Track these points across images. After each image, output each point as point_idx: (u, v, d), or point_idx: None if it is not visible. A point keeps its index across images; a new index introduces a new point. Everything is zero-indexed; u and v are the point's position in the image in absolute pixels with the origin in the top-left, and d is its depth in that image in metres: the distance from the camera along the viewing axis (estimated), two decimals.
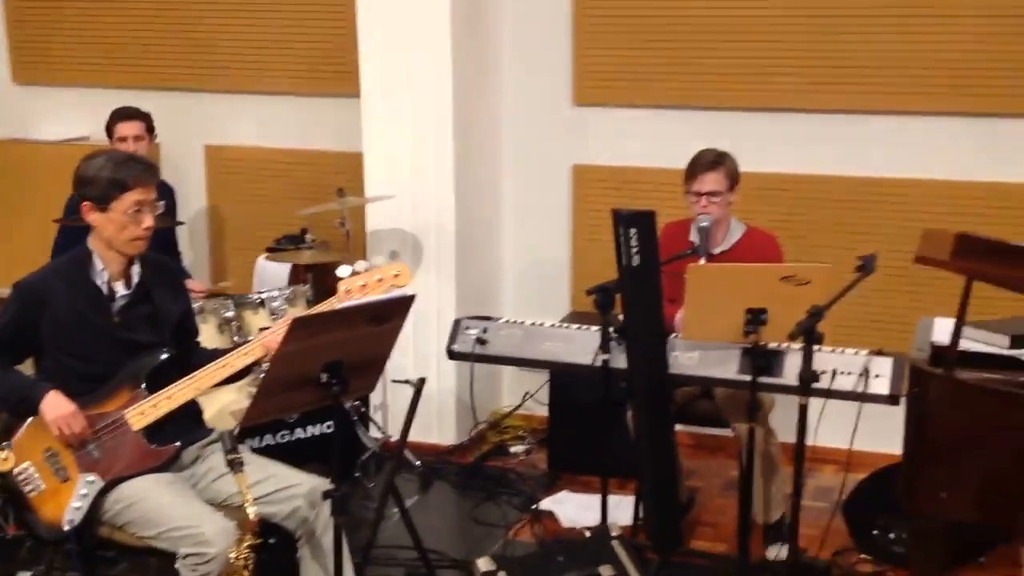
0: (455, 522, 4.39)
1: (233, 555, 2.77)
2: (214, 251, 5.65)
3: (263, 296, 4.30)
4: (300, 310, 4.30)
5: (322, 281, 4.81)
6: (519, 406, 5.13)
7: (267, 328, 4.09)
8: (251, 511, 2.68)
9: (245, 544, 2.74)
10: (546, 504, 4.39)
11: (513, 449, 4.97)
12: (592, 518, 3.93)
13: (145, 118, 4.66)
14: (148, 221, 3.04)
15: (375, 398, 4.92)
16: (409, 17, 4.64)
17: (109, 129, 4.62)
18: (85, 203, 3.04)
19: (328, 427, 4.15)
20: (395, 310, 2.88)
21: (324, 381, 2.77)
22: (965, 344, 2.82)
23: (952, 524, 2.94)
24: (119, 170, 3.01)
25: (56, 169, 5.52)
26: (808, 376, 3.09)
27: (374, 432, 4.74)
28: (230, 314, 4.16)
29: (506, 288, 5.23)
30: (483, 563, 2.94)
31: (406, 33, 4.66)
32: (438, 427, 4.95)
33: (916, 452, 2.76)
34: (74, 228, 4.18)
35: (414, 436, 4.17)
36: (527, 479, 4.66)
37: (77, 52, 5.77)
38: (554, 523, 4.26)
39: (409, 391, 3.60)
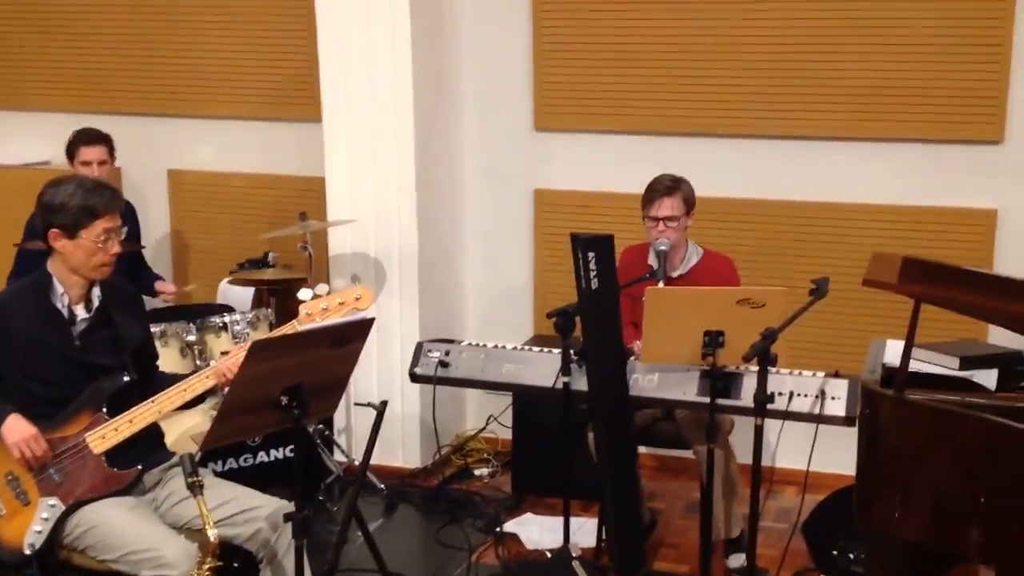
0: (420, 545, 4.39)
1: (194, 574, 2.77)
2: (177, 274, 5.64)
3: (225, 320, 4.30)
4: (263, 334, 4.31)
5: (285, 304, 4.82)
6: (483, 429, 5.17)
7: (227, 352, 4.13)
8: (211, 534, 2.68)
9: (207, 567, 2.75)
10: (510, 526, 4.41)
11: (477, 472, 4.99)
12: (556, 540, 3.95)
13: (107, 141, 4.66)
14: (115, 248, 3.08)
15: (339, 421, 4.94)
16: (370, 42, 4.68)
17: (71, 152, 4.59)
18: (53, 230, 3.05)
19: (291, 451, 4.15)
20: (355, 333, 2.91)
21: (284, 404, 2.79)
22: (916, 366, 2.88)
23: (907, 543, 2.99)
24: (89, 198, 3.04)
25: (17, 193, 5.51)
26: (762, 397, 3.14)
27: (338, 456, 4.75)
28: (192, 338, 4.17)
29: (469, 311, 5.27)
30: None
31: (367, 58, 4.70)
32: (403, 450, 4.96)
33: (868, 471, 2.81)
34: (33, 252, 4.18)
35: (378, 459, 4.19)
36: (491, 501, 4.68)
37: (38, 77, 5.78)
38: (518, 545, 4.28)
39: (371, 415, 3.61)
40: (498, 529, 4.38)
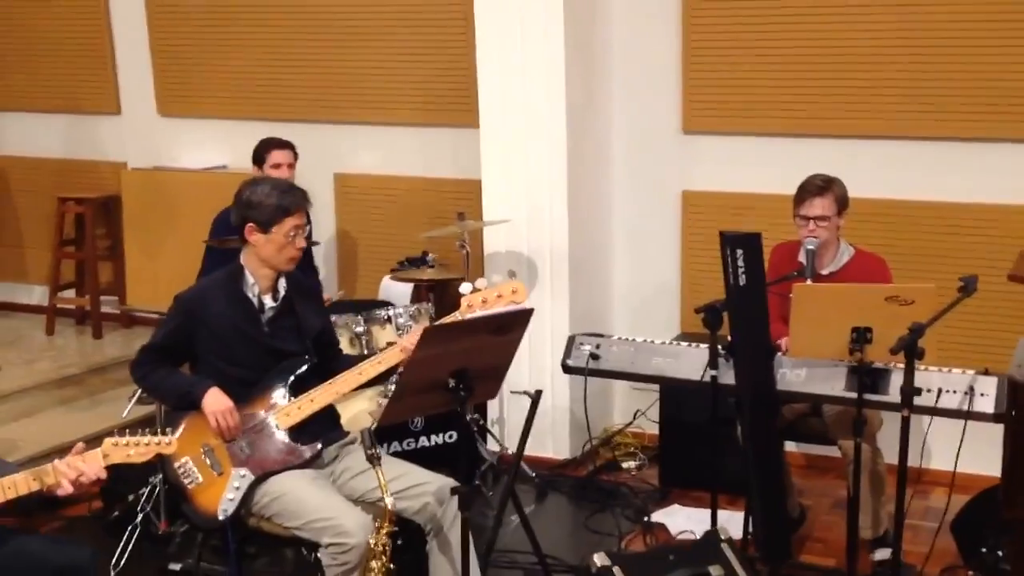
0: (570, 530, 4.57)
1: (372, 541, 3.02)
2: (342, 271, 5.98)
3: (390, 313, 4.58)
4: (424, 326, 4.56)
5: (442, 299, 5.10)
6: (630, 423, 5.32)
7: (393, 343, 4.41)
8: (389, 501, 2.93)
9: (384, 531, 3.00)
10: (657, 516, 4.55)
11: (625, 464, 5.15)
12: (703, 530, 4.09)
13: (293, 147, 4.97)
14: (302, 243, 3.39)
15: (492, 412, 5.16)
16: (525, 50, 4.90)
17: (261, 156, 4.89)
18: (249, 224, 3.36)
19: (450, 436, 4.39)
20: (515, 321, 3.11)
21: (452, 386, 3.01)
22: None
23: None
24: (284, 197, 3.35)
25: (197, 195, 6.00)
26: (909, 389, 3.21)
27: (492, 445, 4.98)
28: (360, 329, 4.46)
29: (617, 308, 5.43)
30: (599, 558, 3.15)
31: (522, 66, 4.92)
32: (552, 441, 5.15)
33: (1015, 463, 2.86)
34: (221, 248, 4.55)
35: (529, 450, 4.38)
36: (639, 493, 4.83)
37: (214, 88, 6.22)
38: (665, 534, 4.42)
39: (524, 406, 3.81)
40: (646, 518, 4.53)
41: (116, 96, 6.46)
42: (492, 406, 5.18)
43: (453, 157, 5.64)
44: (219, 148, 6.18)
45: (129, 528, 4.20)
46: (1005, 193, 4.63)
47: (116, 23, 6.40)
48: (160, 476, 4.19)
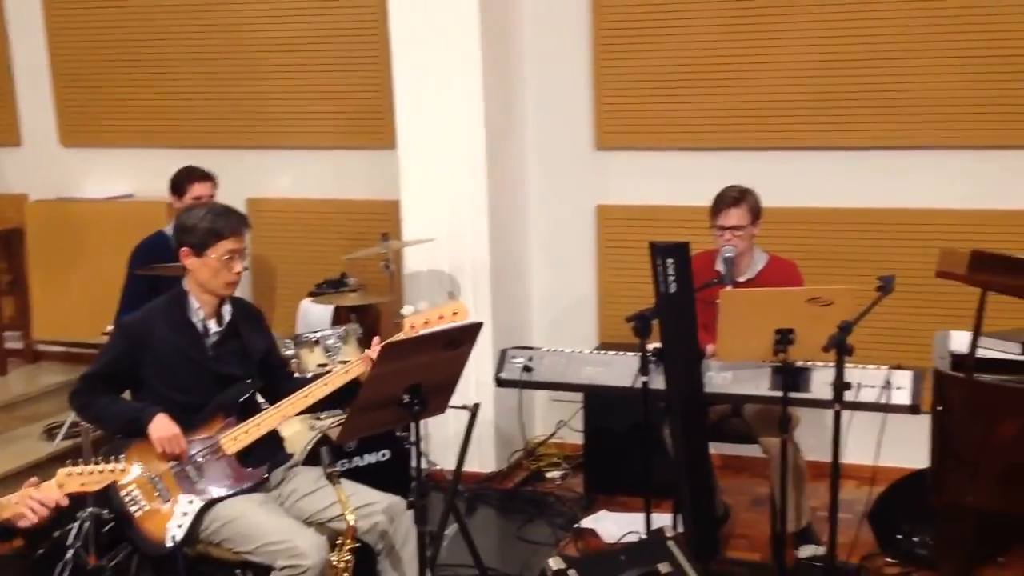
0: (503, 542, 4.64)
1: (335, 559, 3.04)
2: (258, 295, 5.94)
3: (318, 335, 4.59)
4: (353, 348, 4.60)
5: (363, 320, 5.12)
6: (553, 434, 5.42)
7: (323, 364, 4.42)
8: (350, 518, 2.96)
9: (347, 548, 3.02)
10: (587, 523, 4.65)
11: (549, 475, 5.25)
12: (632, 533, 4.21)
13: (214, 178, 4.94)
14: (239, 267, 3.38)
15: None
16: (441, 72, 4.99)
17: (181, 187, 4.84)
18: (184, 248, 3.35)
19: (383, 455, 4.41)
20: (466, 336, 3.18)
21: (406, 401, 3.06)
22: (980, 352, 3.13)
23: (975, 520, 3.23)
24: (217, 221, 3.35)
25: (104, 225, 5.91)
26: (840, 383, 3.39)
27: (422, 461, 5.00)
28: (290, 352, 4.45)
29: (537, 321, 5.55)
30: (554, 562, 3.22)
31: (439, 87, 5.00)
32: (478, 455, 5.22)
33: (943, 450, 3.06)
34: (143, 276, 4.51)
35: (454, 464, 4.44)
36: (566, 501, 4.93)
37: (120, 116, 6.12)
38: (597, 540, 4.52)
39: (446, 423, 3.86)
40: (576, 525, 4.63)
41: (16, 127, 6.31)
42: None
43: (368, 179, 5.68)
44: (125, 177, 6.09)
45: (59, 565, 4.12)
46: (908, 198, 4.89)
47: (15, 51, 6.27)
48: (88, 511, 4.12)
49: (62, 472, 2.75)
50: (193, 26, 5.88)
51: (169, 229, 4.94)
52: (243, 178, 5.86)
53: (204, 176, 4.87)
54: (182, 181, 4.84)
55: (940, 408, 3.00)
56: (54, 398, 5.76)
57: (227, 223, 3.37)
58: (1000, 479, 2.90)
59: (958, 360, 3.10)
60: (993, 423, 2.91)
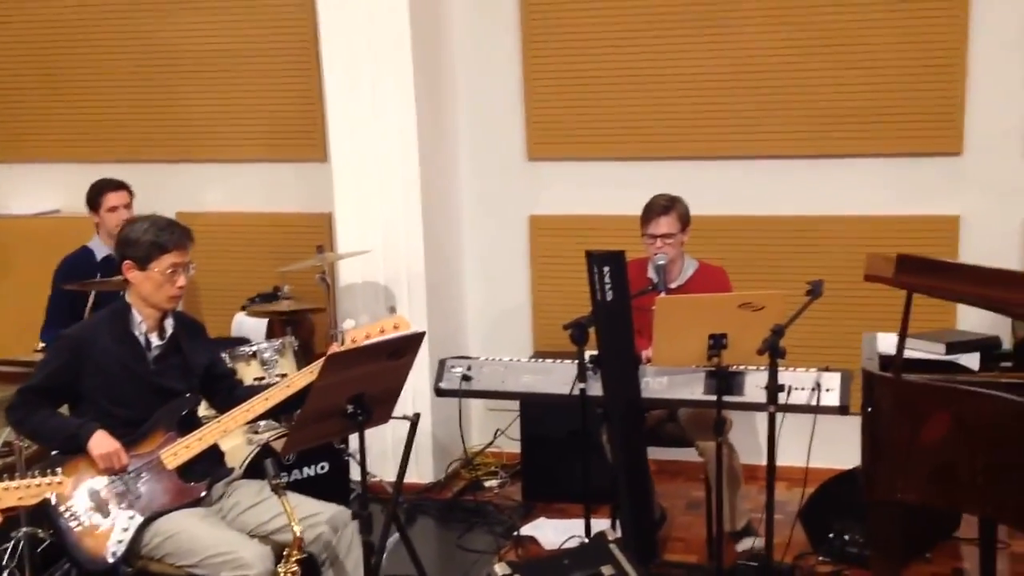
0: (444, 551, 4.66)
1: (282, 570, 3.04)
2: (190, 310, 5.84)
3: (254, 348, 4.57)
4: (289, 360, 4.59)
5: (298, 333, 5.10)
6: (491, 443, 5.45)
7: (261, 377, 4.41)
8: (296, 529, 2.96)
9: (294, 559, 3.02)
10: (527, 530, 4.70)
11: (488, 484, 5.28)
12: (571, 540, 4.26)
13: (128, 187, 4.91)
14: (182, 281, 3.37)
15: (354, 441, 5.18)
16: (374, 85, 5.01)
17: (95, 200, 4.82)
18: (127, 262, 3.32)
19: (322, 468, 4.42)
20: (409, 345, 3.21)
21: (350, 412, 3.07)
22: (908, 353, 3.23)
23: (904, 517, 3.33)
24: (160, 235, 3.33)
25: (31, 241, 5.81)
26: (774, 386, 3.48)
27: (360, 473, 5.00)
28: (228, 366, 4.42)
29: (472, 331, 5.59)
30: (500, 568, 3.26)
31: (372, 100, 5.02)
32: (416, 466, 5.23)
33: (873, 446, 3.16)
34: (67, 292, 4.46)
35: (392, 475, 4.45)
36: (504, 509, 4.97)
37: (46, 130, 6.02)
38: (537, 547, 4.57)
39: (384, 435, 3.86)
40: (516, 532, 4.67)
41: None
42: (354, 436, 5.21)
43: (301, 192, 5.67)
44: (51, 192, 6.00)
45: None
46: (831, 205, 5.03)
47: None
48: (23, 530, 4.05)
49: None
50: (123, 40, 5.81)
51: (93, 244, 4.90)
52: (174, 192, 5.82)
53: (116, 185, 4.85)
54: (95, 194, 4.83)
55: (869, 408, 3.09)
56: None
57: (171, 237, 3.36)
58: (929, 475, 3.01)
59: (886, 361, 3.20)
60: (920, 420, 3.02)
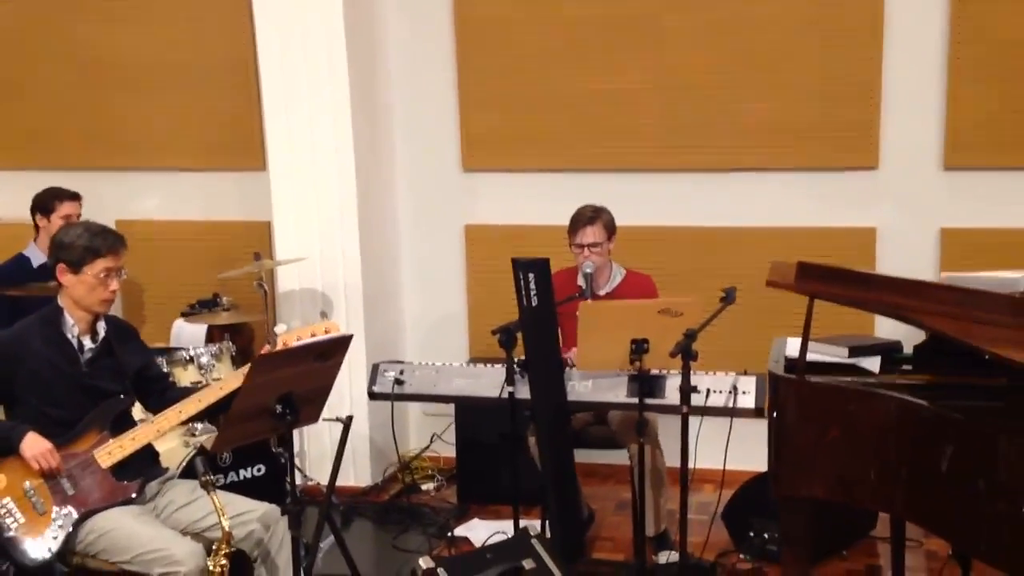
0: (379, 552, 4.77)
1: (211, 564, 3.14)
2: (128, 316, 5.93)
3: (192, 353, 4.66)
4: (226, 365, 4.68)
5: (237, 340, 5.20)
6: (427, 447, 5.58)
7: (198, 382, 4.50)
8: (225, 523, 3.06)
9: (223, 553, 3.12)
10: (460, 531, 4.82)
11: (424, 487, 5.41)
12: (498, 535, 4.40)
13: (80, 198, 5.01)
14: (114, 285, 3.46)
15: (294, 445, 5.30)
16: (311, 95, 5.13)
17: (48, 206, 4.90)
18: (60, 264, 3.41)
19: (259, 470, 4.51)
20: (337, 348, 3.33)
21: (279, 412, 3.19)
22: (812, 356, 3.41)
23: (817, 515, 3.50)
24: (94, 239, 3.42)
25: None
26: (687, 387, 3.64)
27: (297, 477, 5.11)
28: (164, 370, 4.50)
29: (409, 337, 5.72)
30: (424, 562, 3.38)
31: (309, 110, 5.15)
32: (354, 470, 5.34)
33: (778, 444, 3.33)
34: (3, 297, 4.53)
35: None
36: (440, 511, 5.09)
37: None
38: (469, 546, 4.68)
39: (323, 440, 3.97)
40: (449, 534, 4.79)
41: None
42: (294, 439, 5.31)
43: (239, 200, 5.77)
44: None
45: None
46: (753, 217, 5.23)
47: None
48: None
49: None
50: (62, 49, 5.89)
51: (29, 251, 4.96)
52: (112, 200, 5.89)
53: (72, 195, 4.92)
54: (49, 200, 4.89)
55: (774, 409, 3.27)
56: None
57: (104, 241, 3.44)
58: (829, 472, 3.18)
59: (792, 363, 3.38)
60: (819, 419, 3.19)
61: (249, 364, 3.39)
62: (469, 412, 5.10)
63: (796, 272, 3.13)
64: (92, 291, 3.43)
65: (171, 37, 5.75)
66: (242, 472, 4.50)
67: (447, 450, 5.50)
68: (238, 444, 3.64)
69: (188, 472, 3.85)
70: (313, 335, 3.61)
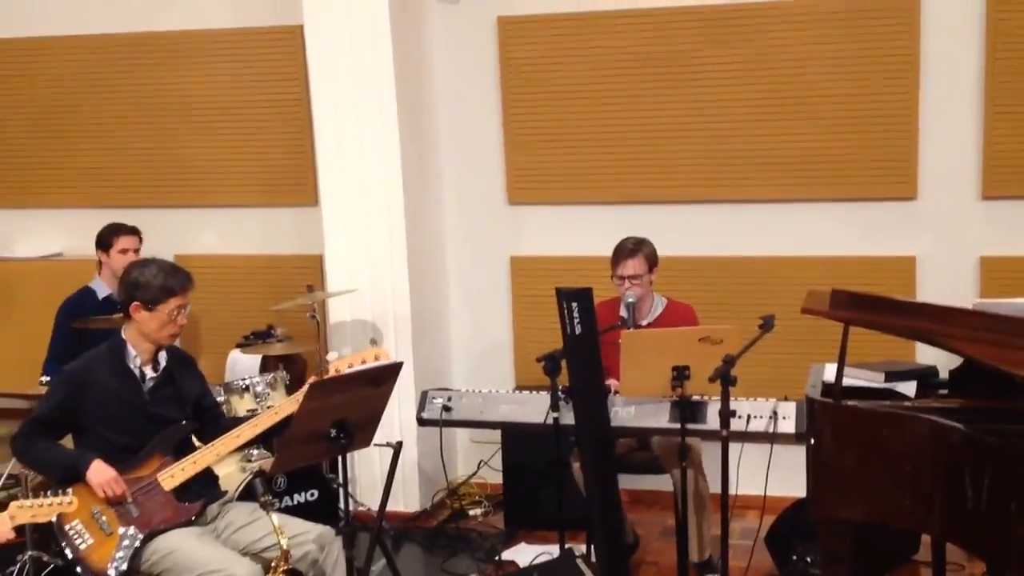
0: (428, 575, 4.90)
1: None
2: (186, 347, 6.09)
3: (247, 382, 4.84)
4: (281, 393, 4.85)
5: (291, 370, 5.37)
6: (474, 473, 5.70)
7: (253, 410, 4.67)
8: (284, 542, 3.21)
9: (280, 571, 3.27)
10: (507, 555, 4.93)
11: (472, 512, 5.52)
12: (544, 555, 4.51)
13: (139, 232, 5.19)
14: (182, 320, 3.67)
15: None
16: (362, 133, 5.31)
17: (107, 241, 5.09)
18: (135, 303, 3.61)
19: (312, 495, 4.67)
20: (388, 374, 3.48)
21: (333, 436, 3.34)
22: (849, 381, 3.50)
23: (858, 538, 3.58)
24: (169, 279, 3.63)
25: (34, 282, 6.08)
26: (726, 411, 3.74)
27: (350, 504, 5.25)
28: (220, 399, 4.68)
29: (456, 366, 5.85)
30: None
31: (360, 147, 5.33)
32: (403, 496, 5.47)
33: (816, 467, 3.42)
34: (72, 330, 4.73)
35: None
36: (487, 536, 5.20)
37: (48, 177, 6.31)
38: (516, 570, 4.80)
39: (372, 466, 4.08)
40: (497, 557, 4.90)
41: None
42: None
43: (292, 234, 5.96)
44: (54, 236, 6.28)
45: None
46: (793, 247, 5.32)
47: None
48: (29, 554, 4.30)
49: (13, 505, 2.98)
50: (126, 91, 6.11)
51: (95, 284, 5.17)
52: (171, 235, 6.08)
53: (130, 230, 5.11)
54: (108, 236, 5.09)
55: (811, 433, 3.36)
56: None
57: (177, 281, 3.65)
58: (866, 493, 3.27)
59: (827, 387, 3.47)
60: (856, 441, 3.28)
61: (302, 389, 3.57)
62: (515, 439, 5.22)
63: (830, 300, 3.23)
64: (163, 327, 3.63)
65: (228, 78, 5.97)
66: (296, 497, 4.65)
67: (494, 477, 5.62)
68: (295, 466, 3.78)
69: (245, 496, 4.00)
70: (364, 361, 3.77)
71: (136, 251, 5.08)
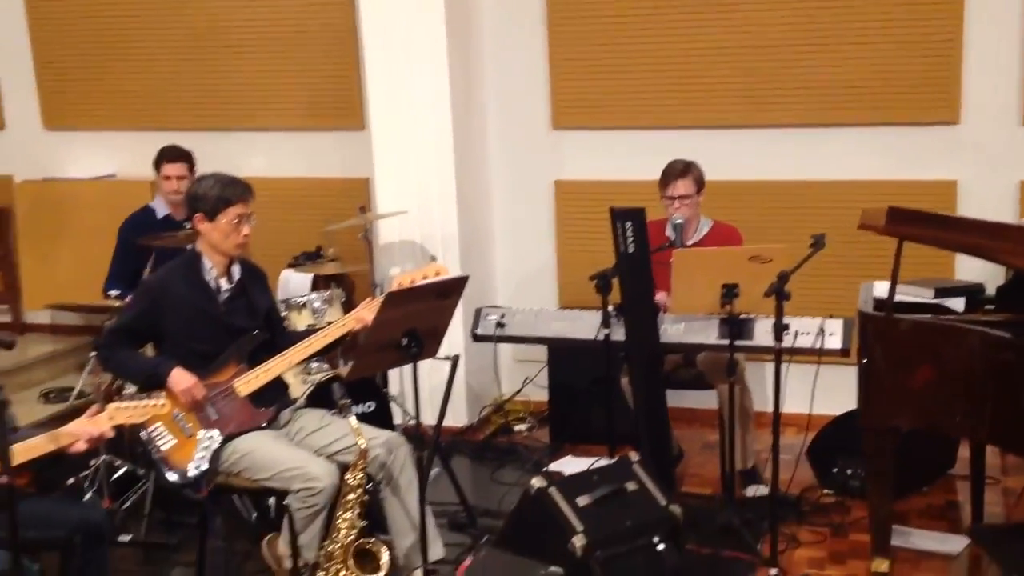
0: (479, 484, 5.07)
1: (350, 477, 3.46)
2: None
3: (305, 299, 4.99)
4: (336, 310, 5.00)
5: (339, 287, 5.50)
6: (520, 390, 5.86)
7: (312, 324, 4.82)
8: (361, 442, 3.38)
9: (359, 468, 3.44)
10: (554, 466, 5.06)
11: (517, 428, 5.70)
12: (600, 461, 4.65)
13: (188, 158, 5.22)
14: (246, 230, 3.78)
15: (394, 387, 5.61)
16: (410, 57, 5.41)
17: (156, 166, 5.19)
18: (197, 215, 3.74)
19: (369, 407, 4.84)
20: (455, 287, 3.63)
21: (405, 344, 3.49)
22: (900, 297, 3.63)
23: (900, 450, 3.72)
24: (225, 189, 3.74)
25: (89, 202, 6.25)
26: (780, 324, 3.87)
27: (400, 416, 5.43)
28: (282, 314, 4.83)
29: (501, 287, 6.00)
30: (536, 481, 3.67)
31: (408, 71, 5.42)
32: (452, 411, 5.59)
33: (867, 378, 3.56)
34: (131, 249, 4.89)
35: (429, 419, 4.87)
36: (534, 450, 5.38)
37: (102, 99, 6.45)
38: None
39: (424, 380, 4.17)
40: (544, 469, 5.06)
41: (0, 110, 6.59)
42: (396, 381, 5.61)
43: (340, 158, 6.07)
44: (107, 157, 6.41)
45: None
46: (836, 171, 5.40)
47: None
48: (102, 458, 4.50)
49: (111, 406, 3.15)
50: (170, 13, 6.21)
51: (155, 203, 5.30)
52: (221, 158, 6.10)
53: (176, 156, 5.16)
54: (157, 160, 5.20)
55: (864, 346, 3.49)
56: (44, 366, 6.13)
57: (234, 191, 3.76)
58: (916, 402, 3.41)
59: (879, 303, 3.59)
60: (908, 353, 3.42)
61: (363, 303, 3.71)
62: (561, 357, 5.36)
63: (887, 216, 3.34)
64: (227, 237, 3.75)
65: (278, 3, 6.05)
66: (355, 408, 4.80)
67: (537, 395, 5.77)
68: (371, 373, 3.95)
69: (314, 402, 4.14)
70: (425, 277, 3.90)
71: (180, 178, 5.10)
